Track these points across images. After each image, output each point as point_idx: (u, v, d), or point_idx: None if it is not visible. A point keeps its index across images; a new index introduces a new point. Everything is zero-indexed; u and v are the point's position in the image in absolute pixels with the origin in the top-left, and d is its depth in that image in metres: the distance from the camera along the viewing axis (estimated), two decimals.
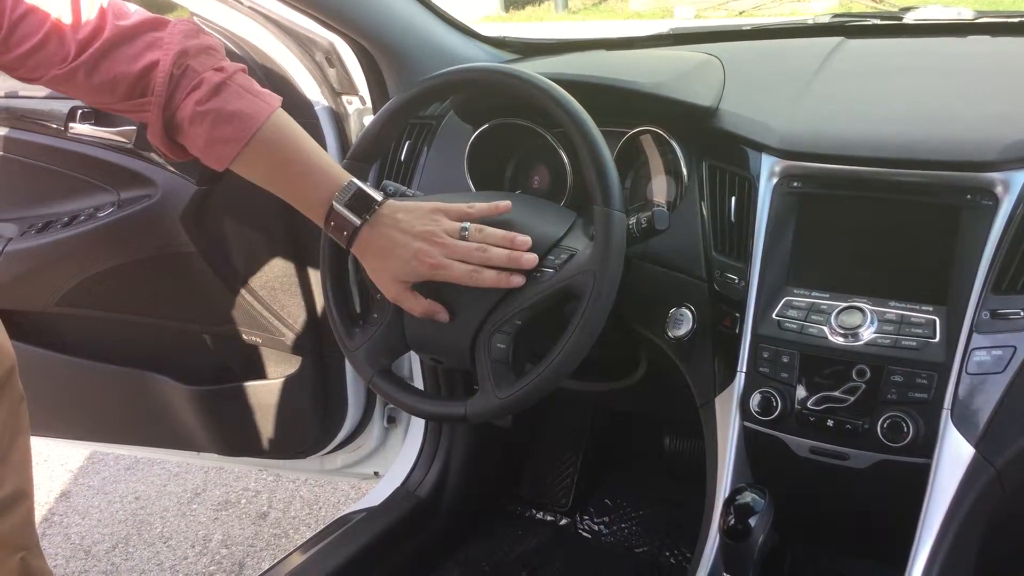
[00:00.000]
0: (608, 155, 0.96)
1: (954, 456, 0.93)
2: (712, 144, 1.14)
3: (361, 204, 0.99)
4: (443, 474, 1.63)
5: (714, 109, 1.15)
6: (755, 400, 1.01)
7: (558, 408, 1.78)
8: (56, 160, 1.54)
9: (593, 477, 1.80)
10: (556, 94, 0.98)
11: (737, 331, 1.04)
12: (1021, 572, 1.17)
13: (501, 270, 0.97)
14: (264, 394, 1.62)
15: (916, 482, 0.94)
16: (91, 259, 1.56)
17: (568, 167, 1.23)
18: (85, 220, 1.53)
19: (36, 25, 0.93)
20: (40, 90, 1.52)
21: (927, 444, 0.93)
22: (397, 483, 1.62)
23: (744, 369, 1.03)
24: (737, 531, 0.92)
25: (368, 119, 1.41)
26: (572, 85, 1.01)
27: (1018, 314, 0.93)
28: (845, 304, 1.00)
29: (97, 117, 1.50)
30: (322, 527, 1.55)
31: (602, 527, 1.74)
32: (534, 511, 1.78)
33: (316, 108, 1.42)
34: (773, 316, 1.03)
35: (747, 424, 1.03)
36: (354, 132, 1.45)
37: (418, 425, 1.65)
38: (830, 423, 0.97)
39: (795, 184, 1.05)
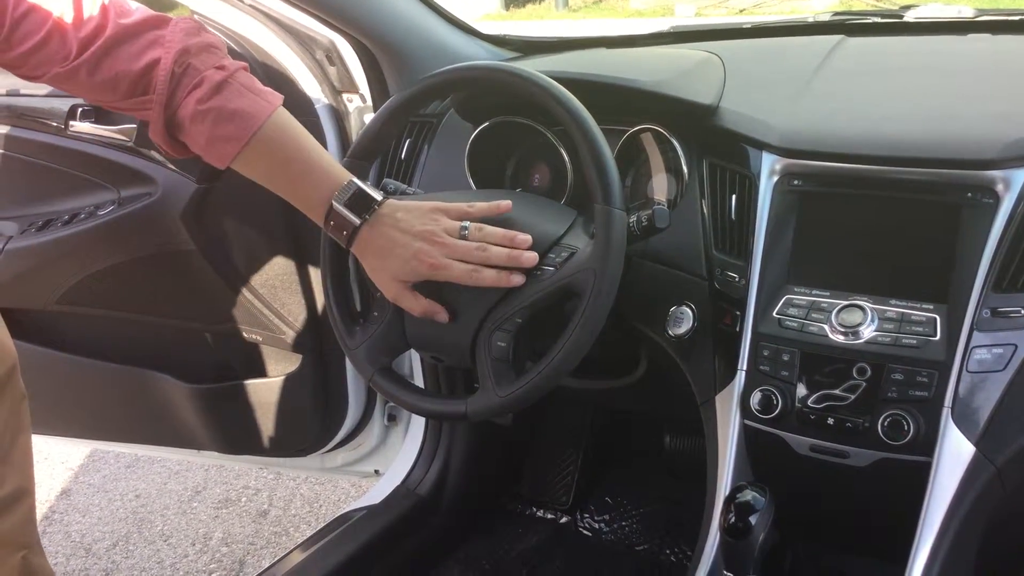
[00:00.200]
0: (608, 153, 0.96)
1: (954, 454, 0.93)
2: (713, 142, 1.14)
3: (361, 204, 0.99)
4: (443, 472, 1.63)
5: (715, 107, 1.15)
6: (755, 398, 1.01)
7: (558, 406, 1.78)
8: (56, 158, 1.54)
9: (593, 475, 1.80)
10: (556, 92, 0.98)
11: (737, 329, 1.05)
12: (1021, 570, 1.17)
13: (501, 269, 0.97)
14: (264, 392, 1.62)
15: (916, 480, 0.94)
16: (91, 257, 1.56)
17: (568, 165, 1.23)
18: (85, 218, 1.53)
19: (38, 23, 0.93)
20: (40, 88, 1.52)
21: (927, 442, 0.93)
22: (397, 481, 1.62)
23: (744, 367, 1.03)
24: (737, 529, 0.92)
25: (368, 117, 1.41)
26: (572, 83, 1.01)
27: (1019, 312, 0.93)
28: (846, 302, 1.00)
29: (97, 115, 1.50)
30: (322, 525, 1.55)
31: (602, 525, 1.74)
32: (534, 509, 1.78)
33: (316, 106, 1.42)
34: (773, 314, 1.03)
35: (747, 422, 1.03)
36: (354, 130, 1.44)
37: (418, 423, 1.65)
38: (830, 421, 0.97)
39: (796, 182, 1.05)
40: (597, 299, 0.93)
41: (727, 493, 0.98)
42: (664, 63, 1.29)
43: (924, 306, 0.98)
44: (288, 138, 1.00)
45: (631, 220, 0.99)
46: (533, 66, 1.07)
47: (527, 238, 0.98)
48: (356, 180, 1.00)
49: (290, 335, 1.55)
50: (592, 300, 0.93)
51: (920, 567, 0.93)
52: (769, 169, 1.06)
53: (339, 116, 1.45)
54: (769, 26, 1.59)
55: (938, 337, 0.95)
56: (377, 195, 1.00)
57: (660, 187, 1.20)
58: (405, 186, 1.13)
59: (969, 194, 0.97)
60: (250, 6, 1.36)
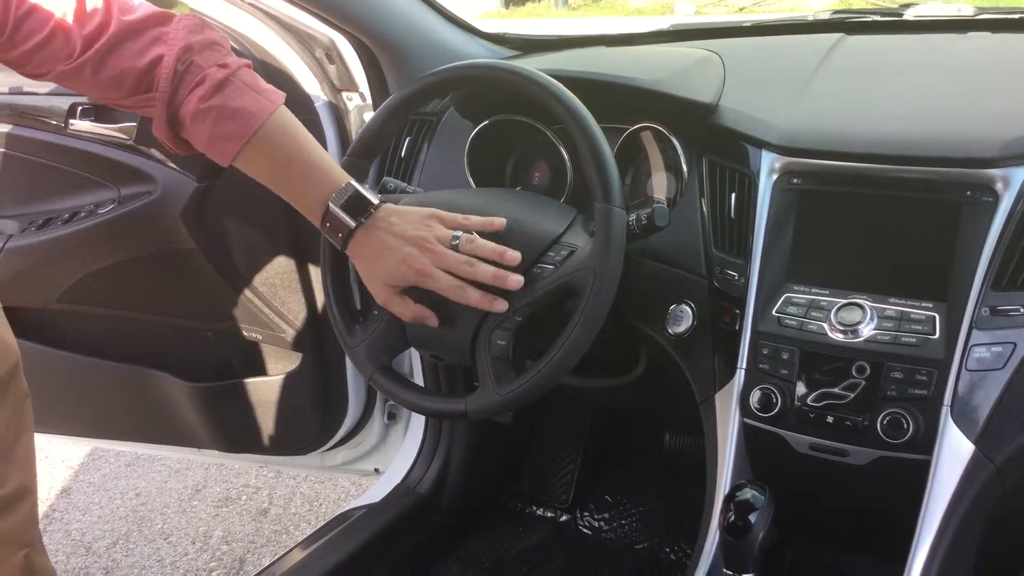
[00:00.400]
0: (608, 151, 0.96)
1: (954, 452, 0.93)
2: (712, 140, 1.14)
3: (357, 206, 0.99)
4: (443, 471, 1.63)
5: (714, 105, 1.15)
6: (755, 396, 1.01)
7: (558, 405, 1.78)
8: (56, 156, 1.54)
9: (593, 474, 1.80)
10: (556, 90, 0.98)
11: (737, 327, 1.05)
12: (1021, 568, 1.17)
13: (487, 289, 0.97)
14: (264, 390, 1.62)
15: (916, 478, 0.94)
16: (92, 256, 1.56)
17: (568, 163, 1.23)
18: (86, 217, 1.53)
19: (41, 21, 0.92)
20: (41, 86, 1.52)
21: (927, 440, 0.93)
22: (397, 479, 1.62)
23: (744, 366, 1.03)
24: (737, 527, 0.92)
25: (368, 115, 1.41)
26: (572, 81, 1.01)
27: (1018, 311, 0.93)
28: (845, 301, 1.00)
29: (97, 113, 1.50)
30: (322, 523, 1.55)
31: (602, 523, 1.74)
32: (534, 507, 1.78)
33: (316, 104, 1.42)
34: (773, 313, 1.03)
35: (747, 420, 1.03)
36: (354, 128, 1.44)
37: (418, 422, 1.65)
38: (830, 419, 0.97)
39: (795, 180, 1.05)
40: (597, 297, 0.93)
41: (727, 491, 0.98)
42: (664, 61, 1.29)
43: (923, 304, 0.98)
44: (289, 137, 1.00)
45: (631, 218, 0.99)
46: (533, 64, 1.07)
47: (516, 255, 0.97)
48: (354, 182, 1.00)
49: (290, 333, 1.55)
50: (592, 298, 0.93)
51: (919, 565, 0.93)
52: (769, 167, 1.06)
53: (339, 114, 1.45)
54: (769, 24, 1.59)
55: (937, 335, 0.95)
56: (374, 198, 1.00)
57: (660, 185, 1.20)
58: (405, 184, 1.13)
59: (968, 192, 0.97)
60: (250, 4, 1.36)
